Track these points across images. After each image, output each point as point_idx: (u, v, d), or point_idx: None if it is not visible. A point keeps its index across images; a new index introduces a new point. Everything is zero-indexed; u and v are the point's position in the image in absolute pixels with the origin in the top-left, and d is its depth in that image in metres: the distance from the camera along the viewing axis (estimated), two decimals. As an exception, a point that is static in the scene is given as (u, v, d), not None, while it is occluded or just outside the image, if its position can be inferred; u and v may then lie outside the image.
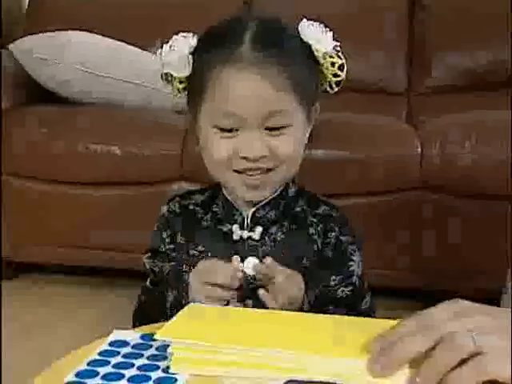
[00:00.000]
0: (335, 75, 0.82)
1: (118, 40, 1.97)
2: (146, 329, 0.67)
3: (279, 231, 0.85)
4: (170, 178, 1.75)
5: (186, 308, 0.67)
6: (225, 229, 0.85)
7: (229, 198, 0.86)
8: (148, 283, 0.90)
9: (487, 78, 2.15)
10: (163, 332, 0.58)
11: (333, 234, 0.86)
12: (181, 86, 0.82)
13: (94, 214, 1.79)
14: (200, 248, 0.86)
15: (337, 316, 0.68)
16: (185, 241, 0.87)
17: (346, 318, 0.68)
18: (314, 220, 0.86)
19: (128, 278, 1.88)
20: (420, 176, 1.64)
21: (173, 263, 0.87)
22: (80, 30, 1.93)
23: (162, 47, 0.82)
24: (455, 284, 1.68)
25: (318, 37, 0.80)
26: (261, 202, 0.84)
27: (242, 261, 0.82)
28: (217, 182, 0.88)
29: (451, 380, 0.50)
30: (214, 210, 0.87)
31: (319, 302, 0.81)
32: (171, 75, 0.82)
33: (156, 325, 0.66)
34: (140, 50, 1.99)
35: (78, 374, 0.55)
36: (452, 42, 2.20)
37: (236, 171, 0.80)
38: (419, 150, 1.64)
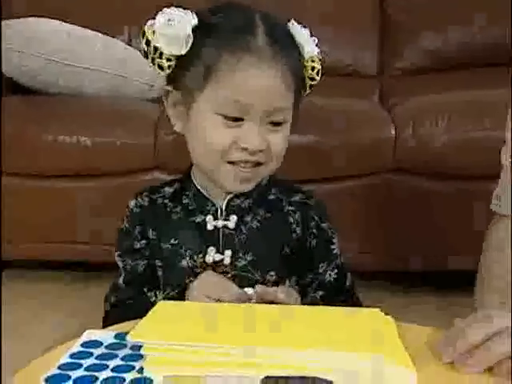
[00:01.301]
0: (311, 79, 0.84)
1: (85, 28, 1.93)
2: (119, 328, 0.65)
3: (254, 219, 0.84)
4: (144, 168, 1.72)
5: (156, 306, 0.65)
6: (198, 220, 0.84)
7: (200, 188, 0.85)
8: (121, 282, 0.88)
9: (458, 59, 2.16)
10: (135, 333, 0.57)
11: (312, 223, 0.86)
12: (167, 64, 0.78)
13: (65, 206, 1.76)
14: (172, 241, 0.84)
15: (316, 307, 0.68)
16: (156, 235, 0.86)
17: (328, 308, 0.68)
18: (291, 208, 0.86)
19: (102, 271, 1.87)
20: (394, 158, 1.64)
21: (146, 261, 0.86)
22: (44, 17, 1.88)
23: (154, 18, 0.77)
24: (431, 265, 1.69)
25: (307, 40, 0.81)
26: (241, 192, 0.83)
27: (218, 251, 0.83)
28: (185, 172, 0.87)
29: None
30: (184, 201, 0.86)
31: (309, 290, 0.85)
32: (159, 50, 0.77)
33: (130, 323, 0.64)
34: (108, 38, 1.95)
35: (47, 380, 0.54)
36: (422, 24, 2.21)
37: (229, 162, 0.78)
38: (393, 132, 1.64)
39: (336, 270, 0.87)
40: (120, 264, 0.88)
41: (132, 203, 0.88)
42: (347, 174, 1.69)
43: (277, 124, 0.79)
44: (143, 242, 0.86)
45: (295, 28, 0.81)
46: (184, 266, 0.83)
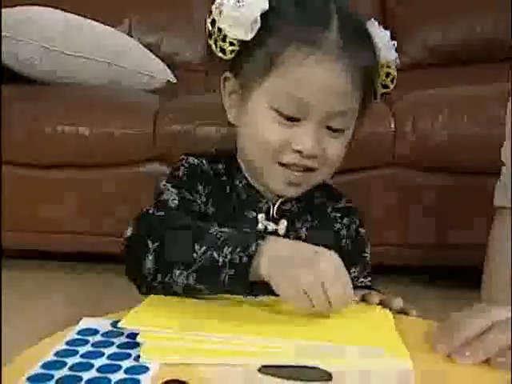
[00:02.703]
0: (384, 86, 0.78)
1: (85, 18, 1.92)
2: (116, 316, 0.65)
3: (303, 227, 0.80)
4: (143, 159, 1.72)
5: (148, 298, 0.65)
6: (249, 215, 0.79)
7: (253, 183, 0.79)
8: (171, 205, 0.74)
9: (458, 54, 2.15)
10: (127, 320, 0.57)
11: (354, 226, 0.84)
12: (229, 49, 0.72)
13: (63, 197, 1.76)
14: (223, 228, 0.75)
15: None
16: (206, 205, 0.76)
17: None
18: (338, 214, 0.83)
19: (97, 263, 1.87)
20: (394, 153, 1.64)
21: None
22: (42, 5, 1.87)
23: None
24: (429, 260, 1.69)
25: (386, 43, 0.76)
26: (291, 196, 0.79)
27: None
28: (224, 155, 0.80)
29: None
30: (238, 190, 0.79)
31: None
32: (222, 32, 0.71)
33: (128, 312, 0.64)
34: (107, 27, 1.94)
35: (44, 366, 0.53)
36: (423, 19, 2.20)
37: (280, 164, 0.74)
38: (392, 126, 1.64)
39: (369, 278, 0.84)
40: (168, 194, 0.75)
41: (193, 159, 0.79)
42: (346, 168, 1.68)
43: (336, 130, 0.73)
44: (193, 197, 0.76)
45: (374, 28, 0.76)
46: None
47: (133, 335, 0.57)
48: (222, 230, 0.65)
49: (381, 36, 0.76)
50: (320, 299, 0.58)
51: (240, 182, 0.80)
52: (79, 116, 1.71)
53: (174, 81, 1.99)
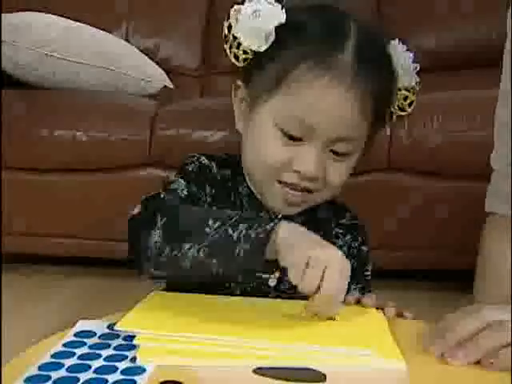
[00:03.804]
0: (401, 109, 0.75)
1: (82, 23, 1.92)
2: (112, 318, 0.65)
3: None
4: (138, 164, 1.72)
5: (148, 297, 0.65)
6: None
7: (256, 194, 0.77)
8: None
9: (452, 59, 2.17)
10: (124, 323, 0.57)
11: (356, 243, 0.83)
12: (242, 57, 0.70)
13: (60, 201, 1.76)
14: None
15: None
16: (210, 204, 0.74)
17: None
18: (340, 231, 0.82)
19: (92, 267, 1.87)
20: (388, 157, 1.64)
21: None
22: (40, 11, 1.88)
23: (241, 3, 0.69)
24: (424, 263, 1.70)
25: (407, 66, 0.73)
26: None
27: None
28: (230, 160, 0.79)
29: (504, 358, 0.55)
30: (239, 198, 0.77)
31: None
32: (237, 40, 0.70)
33: (124, 314, 0.65)
34: (104, 33, 1.95)
35: (41, 367, 0.54)
36: (418, 24, 2.21)
37: (280, 182, 0.72)
38: (388, 131, 1.64)
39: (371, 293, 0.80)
40: (180, 182, 0.74)
41: (204, 159, 0.77)
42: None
43: (341, 154, 0.71)
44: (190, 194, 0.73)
45: (396, 49, 0.73)
46: None
47: (129, 337, 0.58)
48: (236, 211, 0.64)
49: (402, 57, 0.73)
50: (314, 278, 0.57)
51: (243, 189, 0.78)
52: (76, 121, 1.72)
53: (171, 86, 2.00)
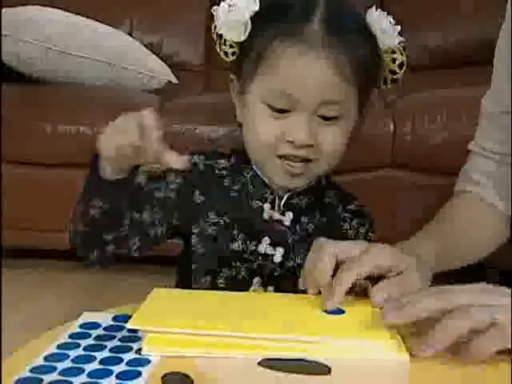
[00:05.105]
0: (393, 72, 0.78)
1: (86, 18, 1.92)
2: (117, 310, 0.66)
3: (310, 222, 0.81)
4: (142, 159, 1.73)
5: (152, 293, 0.66)
6: (255, 205, 0.79)
7: (260, 174, 0.80)
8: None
9: (457, 56, 2.16)
10: (135, 320, 0.57)
11: (363, 230, 0.84)
12: (230, 51, 0.75)
13: (65, 196, 1.76)
14: (226, 218, 0.78)
15: (314, 296, 0.68)
16: (204, 202, 0.79)
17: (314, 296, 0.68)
18: (347, 215, 0.83)
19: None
20: (393, 154, 1.64)
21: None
22: (44, 5, 1.88)
23: (217, 4, 0.74)
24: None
25: (385, 29, 0.76)
26: (296, 188, 0.79)
27: (272, 243, 0.79)
28: (240, 150, 0.82)
29: (477, 343, 0.53)
30: (242, 180, 0.80)
31: None
32: (223, 37, 0.75)
33: (128, 306, 0.65)
34: (108, 27, 1.95)
35: (46, 358, 0.54)
36: (422, 21, 2.21)
37: (278, 156, 0.75)
38: (391, 128, 1.64)
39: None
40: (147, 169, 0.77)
41: (203, 159, 0.81)
42: (345, 169, 1.68)
43: (330, 119, 0.73)
44: (173, 193, 0.78)
45: (372, 16, 0.76)
46: (235, 249, 0.78)
47: (134, 329, 0.58)
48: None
49: (380, 22, 0.76)
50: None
51: (248, 174, 0.80)
52: (80, 116, 1.72)
53: (175, 81, 2.00)
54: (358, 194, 1.71)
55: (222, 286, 0.78)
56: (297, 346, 0.55)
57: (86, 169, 1.85)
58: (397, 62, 0.77)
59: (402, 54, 0.77)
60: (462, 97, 1.70)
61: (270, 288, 0.79)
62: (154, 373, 0.52)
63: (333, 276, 0.64)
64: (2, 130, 1.68)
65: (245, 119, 0.78)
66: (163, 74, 1.97)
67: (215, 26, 0.75)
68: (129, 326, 0.57)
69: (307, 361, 0.54)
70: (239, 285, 0.78)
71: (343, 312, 0.62)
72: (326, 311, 0.62)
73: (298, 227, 0.80)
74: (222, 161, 0.83)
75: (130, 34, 2.13)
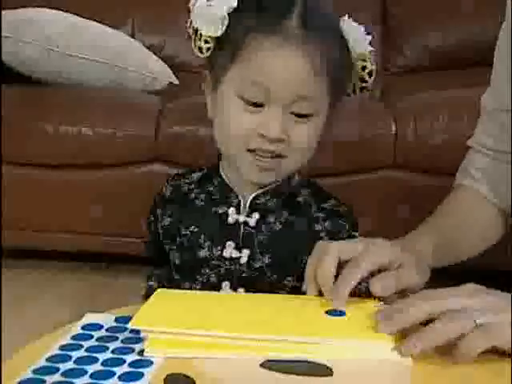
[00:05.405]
0: (362, 80, 0.79)
1: (87, 19, 1.93)
2: (120, 311, 0.66)
3: (277, 221, 0.80)
4: (144, 160, 1.73)
5: (155, 293, 0.66)
6: (220, 211, 0.80)
7: (226, 179, 0.81)
8: (154, 270, 0.87)
9: (459, 57, 2.16)
10: (137, 320, 0.57)
11: (344, 232, 0.82)
12: (205, 46, 0.75)
13: (66, 197, 1.77)
14: (192, 228, 0.81)
15: (317, 297, 0.68)
16: (176, 220, 0.83)
17: (315, 297, 0.68)
18: (321, 215, 0.82)
19: (96, 262, 1.88)
20: (394, 155, 1.65)
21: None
22: (45, 7, 1.88)
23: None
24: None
25: (357, 36, 0.77)
26: (262, 188, 0.80)
27: (237, 247, 0.79)
28: (214, 162, 0.84)
29: (463, 345, 0.54)
30: (209, 189, 0.82)
31: None
32: (198, 32, 0.75)
33: (131, 307, 0.65)
34: (110, 29, 1.95)
35: (49, 359, 0.54)
36: (424, 21, 2.21)
37: (249, 150, 0.75)
38: (393, 128, 1.65)
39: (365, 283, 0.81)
40: (148, 252, 0.90)
41: (163, 189, 0.86)
42: (347, 170, 1.70)
43: (303, 116, 0.74)
44: (153, 230, 0.86)
45: (346, 23, 0.77)
46: (201, 257, 0.79)
47: (136, 330, 0.58)
48: None
49: (352, 29, 0.77)
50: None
51: (215, 181, 0.83)
52: (82, 117, 1.73)
53: (176, 82, 2.00)
54: (360, 195, 1.72)
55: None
56: (298, 348, 0.55)
57: (87, 169, 1.88)
58: (366, 70, 0.78)
59: (371, 63, 0.78)
60: (462, 97, 1.70)
61: (241, 290, 0.79)
62: (156, 374, 0.52)
63: (335, 276, 0.64)
64: (3, 130, 1.69)
65: (217, 114, 0.78)
66: (164, 75, 1.97)
67: (191, 21, 0.76)
68: (130, 325, 0.57)
69: (309, 362, 0.54)
70: (211, 290, 0.78)
71: (344, 313, 0.62)
72: (326, 312, 0.62)
73: (264, 227, 0.80)
74: (195, 175, 0.85)
75: (132, 35, 2.14)
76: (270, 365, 0.53)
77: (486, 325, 0.55)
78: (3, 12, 1.83)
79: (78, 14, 1.92)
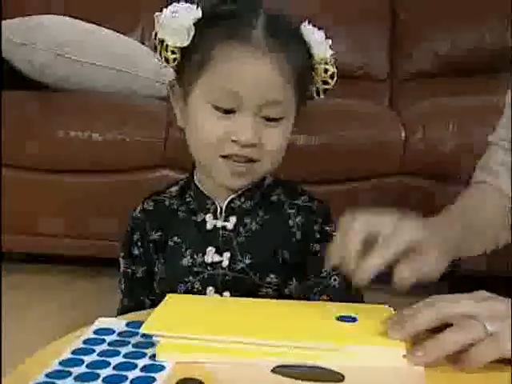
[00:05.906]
0: (325, 82, 0.81)
1: (97, 25, 1.94)
2: (131, 316, 0.66)
3: (254, 221, 0.82)
4: (153, 165, 1.74)
5: (166, 298, 0.66)
6: (198, 219, 0.83)
7: (200, 187, 0.84)
8: (120, 290, 0.88)
9: (468, 64, 2.16)
10: (148, 325, 0.57)
11: (316, 227, 0.84)
12: (172, 57, 0.77)
13: (75, 202, 1.77)
14: (176, 239, 0.83)
15: (326, 302, 0.68)
16: (162, 234, 0.85)
17: (337, 304, 0.68)
18: (293, 211, 0.84)
19: (104, 267, 1.88)
20: (403, 161, 1.65)
21: (145, 267, 0.86)
22: (56, 13, 1.90)
23: (161, 11, 0.77)
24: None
25: (317, 41, 0.80)
26: (236, 192, 0.82)
27: (217, 251, 0.81)
28: (191, 171, 0.86)
29: (474, 353, 0.54)
30: (187, 200, 0.85)
31: (313, 292, 0.82)
32: (165, 43, 0.77)
33: (143, 312, 0.65)
34: (119, 35, 1.96)
35: (61, 363, 0.55)
36: (433, 28, 2.22)
37: (223, 156, 0.77)
38: (402, 135, 1.65)
39: (342, 276, 0.81)
40: (121, 266, 0.88)
41: (136, 211, 0.87)
42: (356, 176, 1.70)
43: (273, 120, 0.76)
44: (142, 249, 0.86)
45: (306, 29, 0.80)
46: (184, 265, 0.82)
47: (148, 335, 0.58)
48: None
49: (313, 35, 0.79)
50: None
51: (191, 191, 0.85)
52: (91, 122, 1.73)
53: (185, 88, 2.00)
54: (369, 201, 1.71)
55: None
56: (310, 353, 0.55)
57: (96, 174, 1.88)
58: (328, 73, 0.80)
59: (333, 66, 0.81)
60: (472, 104, 1.70)
61: (226, 293, 0.80)
62: (168, 379, 0.52)
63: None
64: (13, 136, 1.70)
65: (189, 122, 0.79)
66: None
67: (156, 33, 0.78)
68: (142, 330, 0.57)
69: (321, 368, 0.54)
70: None
71: (356, 319, 0.62)
72: (338, 319, 0.62)
73: (241, 229, 0.82)
74: (173, 188, 0.87)
75: (142, 41, 2.15)
76: (281, 370, 0.53)
77: (495, 334, 0.55)
78: (15, 19, 1.84)
79: (87, 20, 1.93)
